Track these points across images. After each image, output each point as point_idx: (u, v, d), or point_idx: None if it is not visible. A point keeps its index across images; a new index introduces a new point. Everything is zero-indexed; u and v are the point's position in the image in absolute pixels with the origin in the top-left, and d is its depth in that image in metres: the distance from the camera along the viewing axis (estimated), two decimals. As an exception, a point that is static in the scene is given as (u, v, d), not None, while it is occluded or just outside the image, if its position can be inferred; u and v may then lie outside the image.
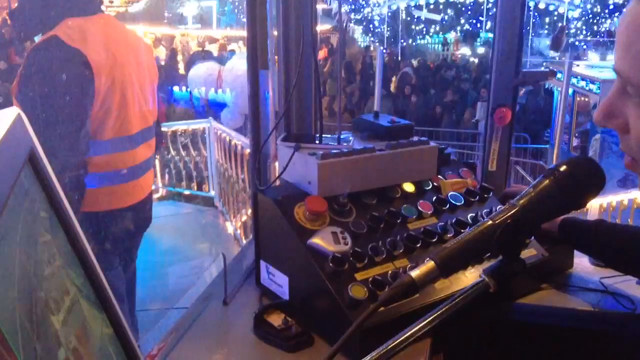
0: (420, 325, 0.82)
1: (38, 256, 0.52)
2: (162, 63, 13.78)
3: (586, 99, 11.07)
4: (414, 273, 0.82)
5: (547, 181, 0.89)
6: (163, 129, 7.10)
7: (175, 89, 9.87)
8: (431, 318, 0.82)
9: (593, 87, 10.55)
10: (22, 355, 0.41)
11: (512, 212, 0.87)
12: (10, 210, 0.47)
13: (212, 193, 6.89)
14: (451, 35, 18.61)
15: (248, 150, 5.92)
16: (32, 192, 0.54)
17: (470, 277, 1.35)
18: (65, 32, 2.34)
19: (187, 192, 7.07)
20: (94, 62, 2.37)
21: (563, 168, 0.89)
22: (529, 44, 15.18)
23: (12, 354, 0.40)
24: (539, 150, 11.07)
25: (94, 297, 0.62)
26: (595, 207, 5.88)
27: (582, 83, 10.90)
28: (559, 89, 10.14)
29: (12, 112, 0.52)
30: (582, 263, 1.66)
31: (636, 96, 0.71)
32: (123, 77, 2.51)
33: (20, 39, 2.04)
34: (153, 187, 7.78)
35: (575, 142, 11.57)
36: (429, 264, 0.83)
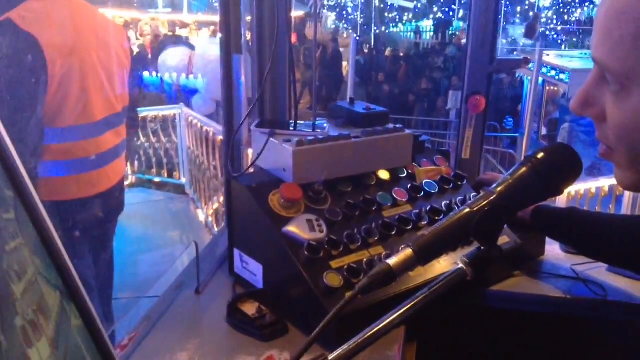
0: (398, 313, 0.81)
1: (4, 249, 0.49)
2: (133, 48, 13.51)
3: (555, 88, 11.22)
4: (392, 261, 0.81)
5: (524, 168, 0.89)
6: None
7: (145, 74, 9.70)
8: (409, 306, 0.81)
9: (563, 76, 10.70)
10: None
11: (489, 199, 0.87)
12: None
13: (183, 180, 6.81)
14: (424, 23, 18.68)
15: (220, 137, 5.85)
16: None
17: (444, 264, 1.35)
18: (20, 15, 2.22)
19: (157, 180, 6.98)
20: (48, 46, 2.25)
21: (540, 155, 0.89)
22: (501, 32, 15.34)
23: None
24: (508, 138, 11.21)
25: (62, 287, 0.59)
26: (563, 195, 5.98)
27: (552, 72, 11.04)
28: (529, 78, 10.27)
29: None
30: (553, 250, 1.67)
31: (614, 84, 0.71)
32: (84, 62, 2.42)
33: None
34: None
35: (544, 130, 11.74)
36: (407, 252, 0.82)
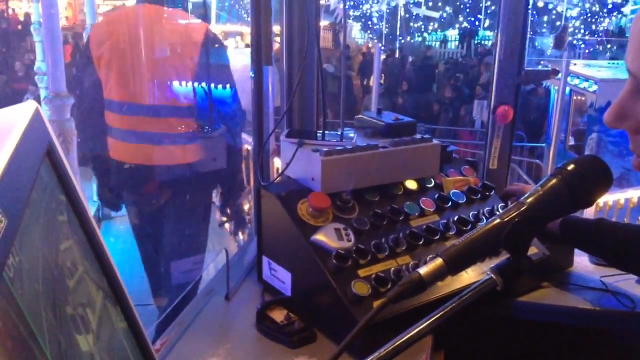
0: (427, 322, 0.82)
1: (59, 247, 0.53)
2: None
3: (583, 98, 11.08)
4: (423, 270, 0.82)
5: (554, 180, 0.89)
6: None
7: (175, 84, 9.85)
8: (438, 315, 0.82)
9: (587, 84, 10.56)
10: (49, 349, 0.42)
11: (520, 210, 0.87)
12: (34, 202, 0.47)
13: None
14: (449, 33, 18.63)
15: (246, 146, 5.90)
16: (50, 185, 0.54)
17: (471, 274, 1.36)
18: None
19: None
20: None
21: (571, 167, 0.89)
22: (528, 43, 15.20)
23: (39, 347, 0.40)
24: (535, 148, 11.08)
25: (109, 291, 0.62)
26: (591, 207, 5.90)
27: (576, 81, 10.91)
28: (556, 87, 10.15)
29: (31, 106, 0.52)
30: (582, 262, 1.67)
31: None
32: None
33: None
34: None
35: (571, 141, 11.59)
36: (438, 262, 0.83)
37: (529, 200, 0.88)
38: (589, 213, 5.78)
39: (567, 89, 10.45)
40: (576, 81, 10.91)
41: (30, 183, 0.47)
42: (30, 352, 0.40)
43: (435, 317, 0.82)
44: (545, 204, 0.88)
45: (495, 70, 1.87)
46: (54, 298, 0.48)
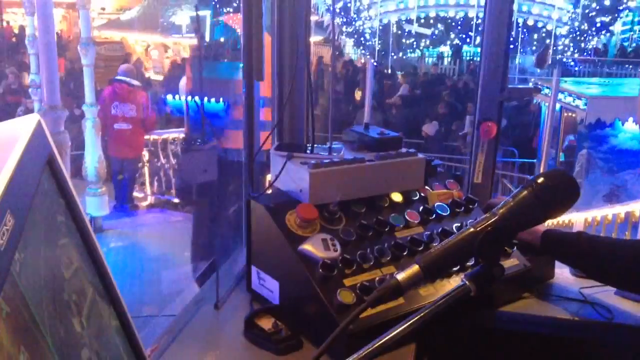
0: (404, 326, 0.86)
1: (57, 249, 0.57)
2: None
3: (573, 115, 11.22)
4: (400, 276, 0.87)
5: (525, 192, 0.94)
6: (154, 136, 7.15)
7: (169, 97, 9.90)
8: (414, 319, 0.86)
9: (580, 102, 10.70)
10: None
11: (492, 220, 0.92)
12: (36, 207, 0.52)
13: (202, 201, 6.89)
14: (441, 49, 18.82)
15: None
16: (50, 192, 0.58)
17: (454, 285, 1.40)
18: (230, 18, 3.15)
19: (176, 200, 7.08)
20: None
21: (540, 180, 0.95)
22: (517, 60, 15.36)
23: (41, 334, 0.45)
24: (526, 164, 11.18)
25: (103, 291, 0.66)
26: (580, 221, 5.97)
27: (569, 99, 11.05)
28: (547, 104, 10.28)
29: (33, 118, 0.56)
30: (563, 273, 1.71)
31: None
32: None
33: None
34: (141, 195, 7.78)
35: (562, 157, 11.70)
36: (414, 268, 0.88)
37: (501, 211, 0.93)
38: (577, 228, 5.85)
39: (558, 106, 10.58)
40: (569, 99, 11.05)
41: (34, 188, 0.51)
42: (33, 338, 0.44)
43: (413, 320, 0.86)
44: (516, 214, 0.93)
45: (480, 87, 1.93)
46: (54, 291, 0.53)
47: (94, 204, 5.95)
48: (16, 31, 16.77)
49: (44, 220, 0.55)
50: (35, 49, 6.26)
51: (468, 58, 18.22)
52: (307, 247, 1.34)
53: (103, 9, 18.59)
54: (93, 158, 6.00)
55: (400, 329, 0.85)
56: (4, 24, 17.77)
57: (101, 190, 6.05)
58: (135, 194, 7.58)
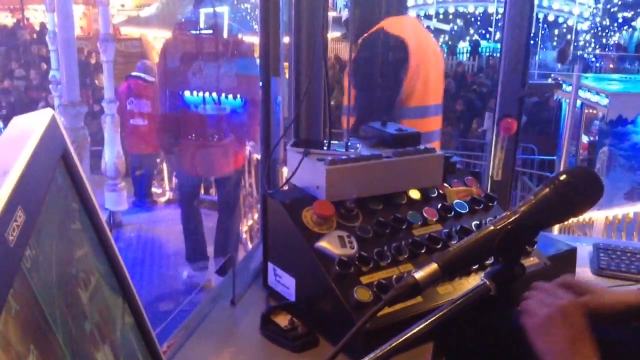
0: (422, 325, 0.85)
1: (71, 243, 0.56)
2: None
3: (594, 111, 11.05)
4: (418, 274, 0.85)
5: (547, 189, 0.92)
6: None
7: (186, 93, 9.95)
8: (432, 319, 0.85)
9: (600, 98, 10.53)
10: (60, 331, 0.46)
11: (512, 218, 0.90)
12: (49, 203, 0.51)
13: (219, 197, 6.90)
14: (460, 45, 18.68)
15: (255, 155, 5.95)
16: (64, 187, 0.58)
17: (473, 283, 1.38)
18: (388, 24, 3.10)
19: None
20: (410, 45, 3.08)
21: (563, 177, 0.92)
22: (537, 56, 15.21)
23: (52, 332, 0.44)
24: (546, 161, 11.05)
25: (117, 286, 0.66)
26: (601, 219, 5.89)
27: (589, 94, 10.88)
28: (567, 100, 10.14)
29: (47, 113, 0.56)
30: (584, 272, 1.68)
31: None
32: (425, 60, 3.18)
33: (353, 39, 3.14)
34: (159, 191, 7.81)
35: (582, 154, 11.55)
36: (432, 266, 0.86)
37: (522, 208, 0.91)
38: (598, 227, 5.77)
39: (579, 103, 10.44)
40: (588, 94, 10.89)
41: (46, 183, 0.51)
42: (44, 336, 0.44)
43: (431, 319, 0.85)
44: (537, 212, 0.91)
45: (500, 83, 1.90)
46: (66, 288, 0.52)
47: (113, 199, 6.01)
48: (37, 28, 16.98)
49: (58, 216, 0.55)
50: (55, 46, 6.34)
51: (487, 54, 18.07)
52: (323, 244, 1.33)
53: (122, 5, 18.73)
54: (112, 153, 6.06)
55: (418, 328, 0.84)
56: (25, 21, 18.01)
57: (120, 185, 6.11)
58: (153, 189, 7.64)
